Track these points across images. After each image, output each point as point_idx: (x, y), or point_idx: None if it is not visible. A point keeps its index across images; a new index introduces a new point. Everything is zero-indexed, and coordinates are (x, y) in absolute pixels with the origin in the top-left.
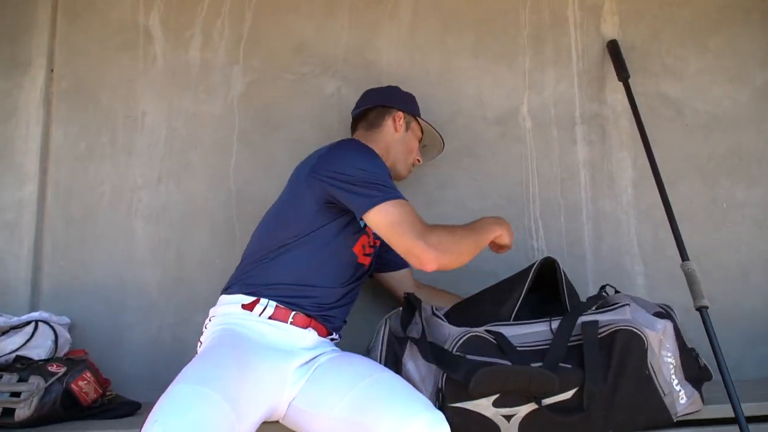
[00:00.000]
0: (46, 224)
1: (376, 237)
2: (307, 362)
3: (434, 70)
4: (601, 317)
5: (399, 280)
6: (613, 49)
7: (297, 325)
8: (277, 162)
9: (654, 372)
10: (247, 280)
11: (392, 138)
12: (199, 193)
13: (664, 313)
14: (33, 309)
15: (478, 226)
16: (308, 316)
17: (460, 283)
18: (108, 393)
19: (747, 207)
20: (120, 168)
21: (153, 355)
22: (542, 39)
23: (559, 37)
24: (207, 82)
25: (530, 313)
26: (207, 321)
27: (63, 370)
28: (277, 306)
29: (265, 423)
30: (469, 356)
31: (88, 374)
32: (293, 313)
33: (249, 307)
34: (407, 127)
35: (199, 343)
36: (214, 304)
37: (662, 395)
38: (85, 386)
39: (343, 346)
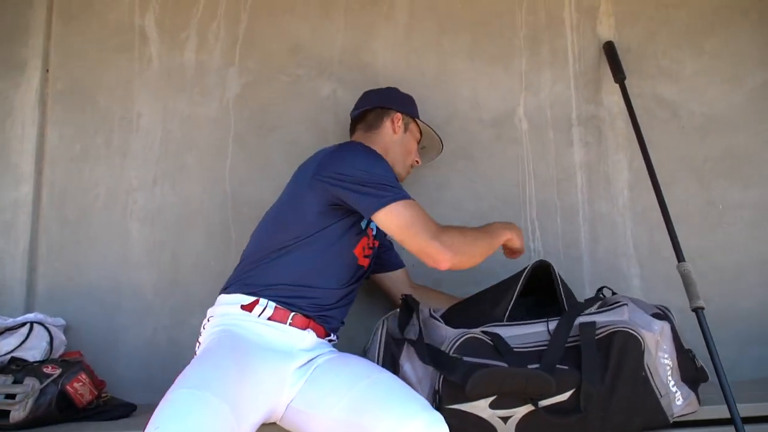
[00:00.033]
0: (42, 225)
1: (375, 238)
2: (305, 363)
3: (430, 72)
4: (599, 318)
5: (395, 281)
6: (610, 50)
7: (296, 326)
8: (272, 164)
9: (651, 373)
10: (247, 281)
11: (391, 139)
12: (194, 195)
13: (661, 314)
14: (28, 310)
15: (489, 229)
16: (307, 317)
17: (459, 284)
18: (103, 395)
19: (742, 208)
20: (115, 169)
21: (148, 357)
22: (538, 41)
23: (555, 38)
24: (202, 83)
25: (527, 313)
26: (205, 321)
27: (58, 371)
28: (276, 307)
29: (263, 425)
30: (465, 358)
31: (84, 376)
32: (292, 314)
33: (248, 307)
34: (406, 129)
35: (197, 344)
36: (209, 306)
37: (659, 396)
38: (80, 388)
39: (340, 347)
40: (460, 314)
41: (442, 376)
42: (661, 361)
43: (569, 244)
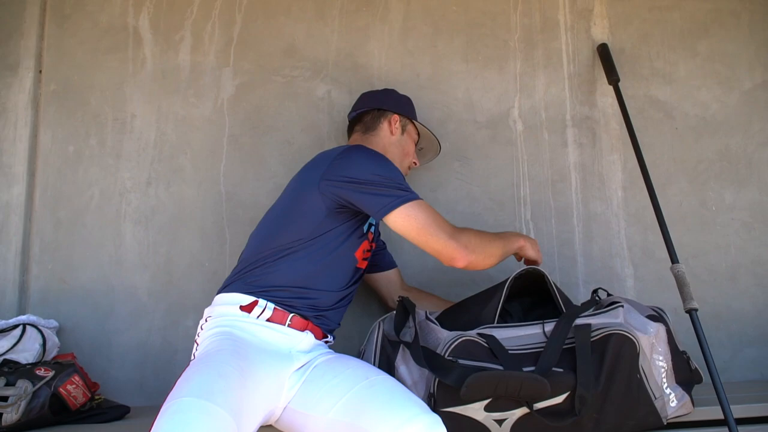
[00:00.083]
0: (34, 227)
1: (373, 240)
2: (303, 365)
3: (425, 74)
4: (594, 320)
5: (387, 281)
6: (603, 52)
7: (294, 328)
8: (267, 165)
9: (645, 376)
10: (246, 281)
11: (388, 141)
12: (188, 197)
13: (656, 315)
14: (21, 312)
15: (503, 235)
16: (305, 318)
17: (457, 286)
18: (97, 397)
19: (735, 210)
20: (109, 171)
21: (142, 358)
22: (533, 42)
23: (549, 40)
24: (197, 84)
25: (524, 314)
26: (202, 321)
27: (51, 374)
28: (275, 308)
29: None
30: (461, 361)
31: (77, 378)
32: (291, 315)
33: (247, 308)
34: (403, 130)
35: (195, 345)
36: (203, 307)
37: (653, 399)
38: (73, 390)
39: (335, 347)
40: (452, 317)
41: (437, 379)
42: (656, 364)
43: (563, 245)
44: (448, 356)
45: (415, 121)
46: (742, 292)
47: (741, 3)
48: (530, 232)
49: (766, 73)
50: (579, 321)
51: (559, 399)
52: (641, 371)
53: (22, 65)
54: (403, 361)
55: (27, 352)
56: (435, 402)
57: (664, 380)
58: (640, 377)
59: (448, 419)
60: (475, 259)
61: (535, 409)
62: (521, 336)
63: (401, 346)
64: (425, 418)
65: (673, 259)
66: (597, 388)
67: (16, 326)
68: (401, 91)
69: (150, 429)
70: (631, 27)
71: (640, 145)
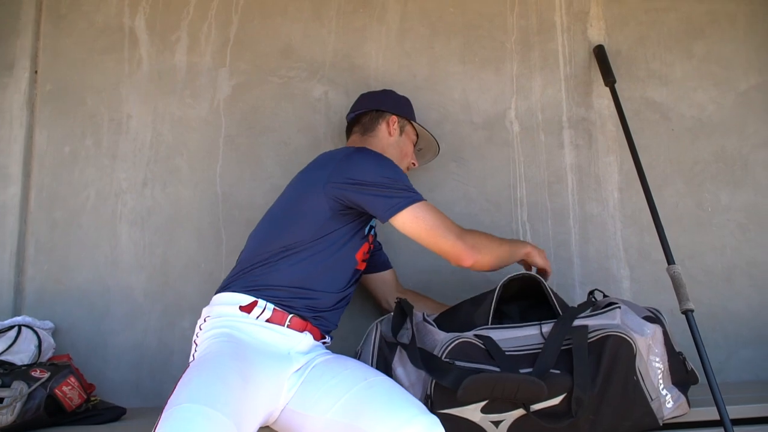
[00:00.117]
0: (30, 228)
1: (373, 242)
2: (302, 366)
3: (422, 75)
4: (591, 322)
5: (382, 282)
6: (600, 54)
7: (294, 329)
8: (263, 166)
9: (642, 377)
10: (246, 281)
11: (387, 142)
12: (184, 197)
13: (653, 317)
14: (16, 313)
15: (511, 240)
16: (304, 319)
17: (453, 288)
18: (92, 398)
19: (731, 211)
20: (105, 172)
21: (138, 360)
22: (529, 44)
23: (546, 42)
24: (193, 85)
25: (521, 317)
26: (201, 321)
27: (47, 375)
28: (274, 309)
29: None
30: (458, 362)
31: (72, 379)
32: (290, 316)
33: (247, 308)
34: (401, 131)
35: (193, 346)
36: (199, 308)
37: (649, 400)
38: (69, 392)
39: (331, 348)
40: (448, 319)
41: (434, 381)
42: (653, 365)
43: (560, 246)
44: (445, 358)
45: (413, 122)
46: (737, 293)
47: (736, 5)
48: (527, 234)
49: (762, 75)
50: (576, 322)
51: (555, 400)
52: (638, 372)
53: (18, 65)
54: (400, 363)
55: (22, 354)
56: (432, 404)
57: (661, 381)
58: (637, 379)
59: (445, 421)
60: (480, 258)
61: (531, 410)
62: (518, 337)
63: (398, 347)
64: (424, 420)
65: (669, 260)
66: (594, 390)
67: (11, 327)
68: (398, 92)
69: None
70: (627, 29)
71: (637, 147)
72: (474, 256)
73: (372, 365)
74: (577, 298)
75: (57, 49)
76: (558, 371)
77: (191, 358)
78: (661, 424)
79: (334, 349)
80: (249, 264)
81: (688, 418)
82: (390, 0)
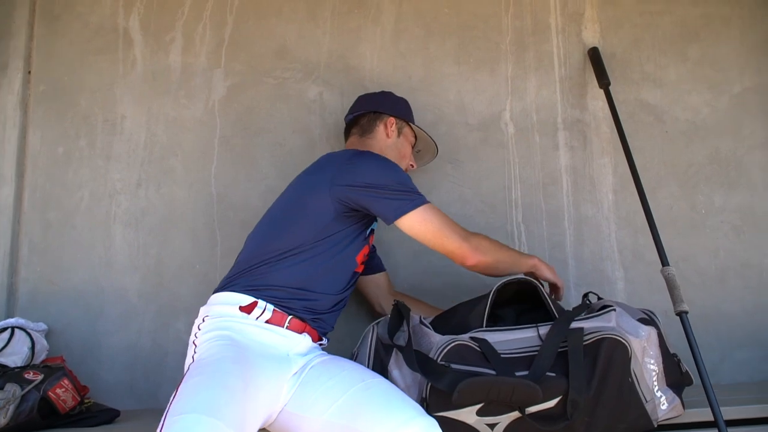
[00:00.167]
0: (23, 228)
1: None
2: (300, 368)
3: (417, 76)
4: (587, 324)
5: (375, 285)
6: (594, 56)
7: (293, 330)
8: (258, 167)
9: (637, 379)
10: (246, 281)
11: (385, 144)
12: (179, 198)
13: (648, 319)
14: (9, 315)
15: (517, 250)
16: (303, 320)
17: (448, 290)
18: (86, 400)
19: (725, 213)
20: (99, 172)
21: (132, 361)
22: (524, 45)
23: (541, 43)
24: (188, 86)
25: (516, 320)
26: (199, 321)
27: (40, 377)
28: (274, 310)
29: None
30: (453, 365)
31: (66, 381)
32: (289, 317)
33: (246, 309)
34: (399, 133)
35: (193, 346)
36: (194, 309)
37: (644, 402)
38: (62, 394)
39: (326, 350)
40: (444, 322)
41: (429, 384)
42: (648, 367)
43: (555, 247)
44: (440, 361)
45: (411, 124)
46: (730, 295)
47: (731, 8)
48: (521, 235)
49: (756, 78)
50: (572, 325)
51: (551, 403)
52: (633, 375)
53: (11, 66)
54: (396, 365)
55: (15, 356)
56: (427, 406)
57: (655, 383)
58: (632, 381)
59: (441, 424)
60: (483, 259)
61: (527, 413)
62: (514, 339)
63: (394, 350)
64: (422, 421)
65: (664, 261)
66: (589, 393)
67: (4, 329)
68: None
69: None
70: (622, 31)
71: (631, 149)
72: (477, 257)
73: (368, 367)
74: (571, 299)
75: (50, 50)
76: (553, 374)
77: (190, 360)
78: (656, 426)
79: (331, 350)
80: (249, 264)
81: (683, 419)
82: (385, 1)
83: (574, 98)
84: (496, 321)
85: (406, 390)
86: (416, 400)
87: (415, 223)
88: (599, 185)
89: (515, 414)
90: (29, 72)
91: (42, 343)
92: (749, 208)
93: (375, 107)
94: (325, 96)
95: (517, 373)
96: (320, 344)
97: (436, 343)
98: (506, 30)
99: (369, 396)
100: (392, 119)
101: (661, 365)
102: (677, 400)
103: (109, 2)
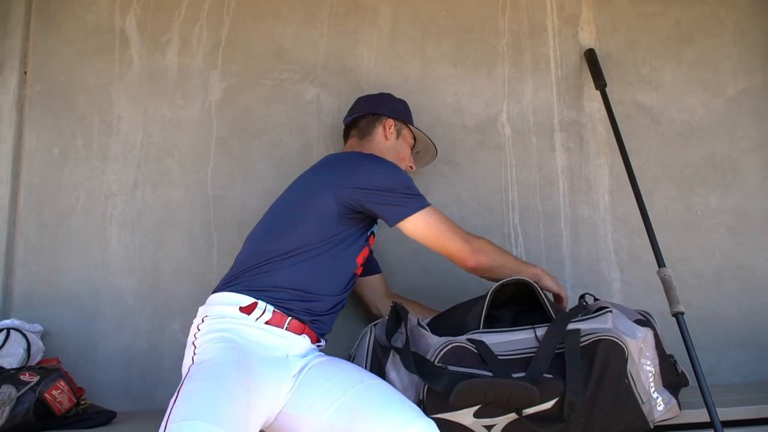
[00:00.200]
0: (19, 229)
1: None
2: (299, 370)
3: (414, 78)
4: (583, 326)
5: (371, 287)
6: (591, 58)
7: (292, 331)
8: (255, 168)
9: (633, 380)
10: (247, 282)
11: (384, 146)
12: (175, 200)
13: (644, 320)
14: (4, 316)
15: (522, 260)
16: (302, 322)
17: (445, 291)
18: (82, 402)
19: (721, 214)
20: (95, 173)
21: (128, 362)
22: (521, 48)
23: (537, 45)
24: (184, 87)
25: (513, 321)
26: (198, 321)
27: (36, 379)
28: (274, 311)
29: None
30: (450, 367)
31: (62, 383)
32: (289, 318)
33: (247, 309)
34: (398, 135)
35: (192, 347)
36: (190, 310)
37: (640, 403)
38: (58, 395)
39: (324, 351)
40: (441, 323)
41: (426, 386)
42: (644, 368)
43: (551, 248)
44: (438, 362)
45: (410, 125)
46: (727, 296)
47: (725, 11)
48: (518, 237)
49: (750, 80)
50: (568, 326)
51: (548, 405)
52: (629, 376)
53: (7, 66)
54: (394, 367)
55: (11, 357)
56: (424, 408)
57: (652, 384)
58: (629, 382)
59: (438, 425)
60: (484, 261)
61: (524, 414)
62: (512, 341)
63: (392, 351)
64: (420, 423)
65: (660, 263)
66: (586, 394)
67: None
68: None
69: None
70: (618, 33)
71: (627, 150)
72: (477, 258)
73: (365, 369)
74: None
75: (47, 50)
76: (550, 375)
77: (189, 361)
78: (652, 427)
79: (328, 351)
80: (249, 265)
81: (679, 420)
82: (382, 3)
83: (570, 100)
84: (494, 322)
85: (404, 392)
86: (413, 402)
87: (419, 225)
88: (596, 186)
89: (512, 416)
90: (25, 72)
91: (38, 344)
92: (744, 210)
93: (374, 109)
94: (322, 97)
95: (514, 375)
96: (318, 346)
97: (434, 344)
98: (503, 32)
99: (368, 397)
100: (391, 121)
101: (658, 366)
102: (673, 401)
103: (106, 2)
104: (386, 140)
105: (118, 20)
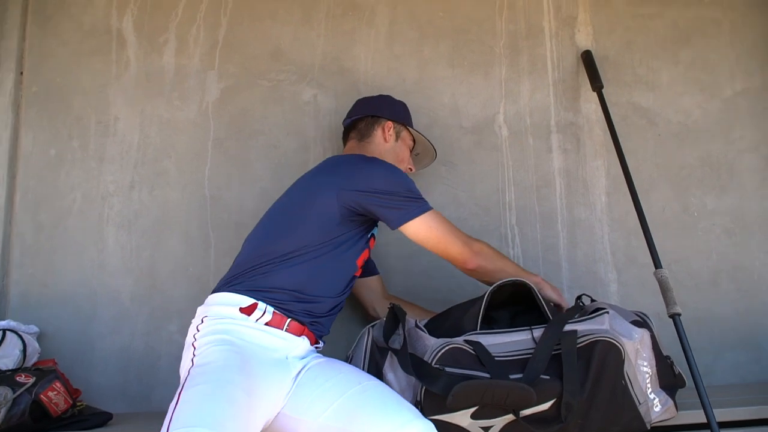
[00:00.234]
0: (15, 231)
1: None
2: (298, 372)
3: (411, 79)
4: (580, 327)
5: (369, 288)
6: (587, 59)
7: (291, 333)
8: (252, 169)
9: (630, 381)
10: (246, 283)
11: (383, 148)
12: (172, 200)
13: (641, 321)
14: (0, 317)
15: (522, 267)
16: (301, 323)
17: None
18: (78, 404)
19: (717, 215)
20: (91, 174)
21: (124, 364)
22: (518, 49)
23: (534, 47)
24: (181, 87)
25: (510, 322)
26: (197, 321)
27: (32, 380)
28: (274, 312)
29: None
30: (448, 369)
31: (58, 384)
32: (288, 320)
33: (247, 310)
34: (397, 137)
35: (192, 348)
36: (187, 312)
37: (637, 404)
38: (54, 397)
39: (322, 353)
40: (438, 324)
41: (424, 387)
42: (641, 369)
43: (548, 249)
44: (435, 364)
45: (409, 128)
46: (723, 297)
47: (722, 12)
48: (515, 238)
49: (747, 81)
50: (566, 328)
51: (545, 406)
52: (626, 377)
53: (3, 66)
54: (391, 369)
55: (7, 359)
56: (422, 410)
57: (649, 385)
58: (625, 383)
59: (435, 427)
60: (484, 264)
61: (521, 416)
62: (508, 342)
63: (389, 353)
64: (419, 424)
65: (657, 264)
66: (583, 395)
67: None
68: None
69: None
70: (615, 34)
71: (624, 151)
72: (477, 261)
73: (363, 370)
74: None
75: (43, 51)
76: (547, 377)
77: (189, 363)
78: (649, 428)
79: (325, 353)
80: (249, 266)
81: (676, 421)
82: (379, 3)
83: (567, 101)
84: (491, 323)
85: (401, 393)
86: (411, 404)
87: (421, 229)
88: (592, 187)
89: (509, 417)
90: (21, 73)
91: (33, 345)
92: (740, 211)
93: (372, 111)
94: (320, 98)
95: (511, 376)
96: (316, 347)
97: (431, 346)
98: (500, 33)
99: (366, 399)
100: (390, 123)
101: (654, 367)
102: (670, 402)
103: (103, 3)
104: (385, 142)
105: (115, 21)
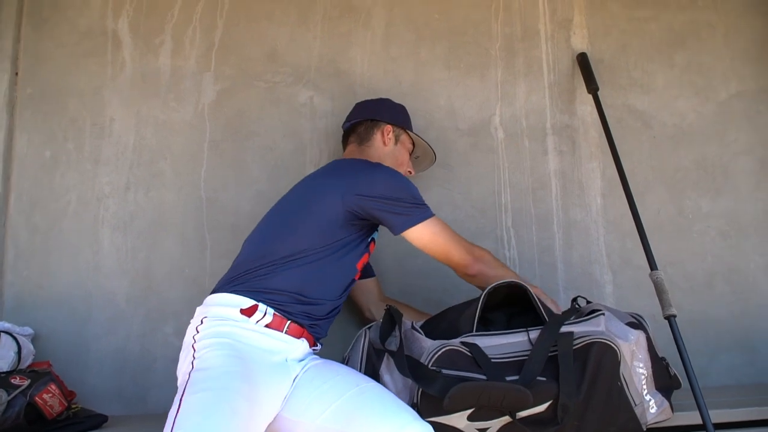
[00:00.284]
0: (9, 232)
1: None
2: (297, 375)
3: (407, 81)
4: (576, 328)
5: (366, 290)
6: (583, 61)
7: (291, 335)
8: (248, 171)
9: (626, 383)
10: (246, 284)
11: (382, 152)
12: (168, 202)
13: (636, 323)
14: None
15: (520, 277)
16: (301, 326)
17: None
18: (73, 406)
19: (712, 218)
20: (86, 176)
21: (120, 365)
22: (514, 51)
23: (530, 49)
24: (177, 89)
25: (507, 324)
26: (196, 322)
27: (27, 382)
28: (274, 314)
29: None
30: (444, 370)
31: (53, 387)
32: (288, 322)
33: (247, 312)
34: (396, 141)
35: (191, 349)
36: (184, 313)
37: (633, 406)
38: (49, 399)
39: (319, 355)
40: (434, 326)
41: (420, 389)
42: (637, 371)
43: (544, 251)
44: (431, 366)
45: (409, 131)
46: (718, 299)
47: (717, 15)
48: (511, 240)
49: (741, 84)
50: (562, 329)
51: (541, 407)
52: (622, 379)
53: None
54: (388, 370)
55: (1, 360)
56: (418, 411)
57: (644, 387)
58: (621, 385)
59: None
60: (484, 270)
61: (517, 418)
62: (505, 344)
63: (386, 354)
64: (417, 426)
65: (652, 266)
66: (579, 397)
67: None
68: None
69: None
70: (610, 37)
71: (619, 154)
72: (479, 267)
73: (360, 371)
74: (561, 303)
75: (38, 52)
76: (544, 378)
77: (189, 366)
78: (645, 429)
79: (322, 354)
80: (248, 267)
81: (672, 422)
82: (376, 5)
83: (563, 103)
84: (487, 325)
85: (397, 395)
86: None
87: (423, 235)
88: (588, 189)
89: (506, 419)
90: (16, 74)
91: (28, 347)
92: (735, 214)
93: (372, 115)
94: (316, 100)
95: (508, 378)
96: (314, 350)
97: (427, 348)
98: (496, 36)
99: (364, 401)
100: (389, 127)
101: (650, 369)
102: (666, 404)
103: (98, 4)
104: (385, 146)
105: (111, 22)
